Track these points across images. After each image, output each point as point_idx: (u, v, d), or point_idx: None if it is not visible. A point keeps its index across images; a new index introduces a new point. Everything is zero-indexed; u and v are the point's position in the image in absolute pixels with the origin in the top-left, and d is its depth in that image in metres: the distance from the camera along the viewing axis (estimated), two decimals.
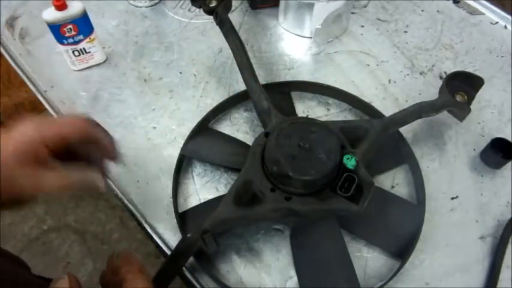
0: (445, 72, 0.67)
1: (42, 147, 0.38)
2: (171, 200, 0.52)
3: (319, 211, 0.45)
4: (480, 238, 0.50)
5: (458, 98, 0.55)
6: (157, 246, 0.50)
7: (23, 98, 1.48)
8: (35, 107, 1.53)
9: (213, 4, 0.62)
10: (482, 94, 0.63)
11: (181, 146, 0.56)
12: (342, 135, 0.48)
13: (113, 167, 0.56)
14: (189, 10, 0.76)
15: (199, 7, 0.63)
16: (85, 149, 0.41)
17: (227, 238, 0.49)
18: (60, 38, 0.61)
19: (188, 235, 0.43)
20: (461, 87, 0.55)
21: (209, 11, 0.62)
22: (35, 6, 0.77)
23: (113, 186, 0.54)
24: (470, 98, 0.56)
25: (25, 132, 0.36)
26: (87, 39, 0.63)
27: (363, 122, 0.52)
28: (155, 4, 0.78)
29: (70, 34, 0.61)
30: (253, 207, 0.44)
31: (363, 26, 0.74)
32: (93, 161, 0.42)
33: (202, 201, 0.53)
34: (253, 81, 0.55)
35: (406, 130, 0.58)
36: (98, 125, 0.42)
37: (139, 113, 0.62)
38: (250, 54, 0.69)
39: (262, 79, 0.65)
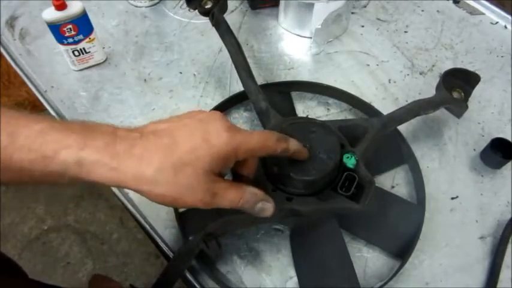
0: None
1: (231, 160, 0.36)
2: None
3: (320, 211, 0.45)
4: (480, 238, 0.50)
5: (455, 94, 0.55)
6: (157, 246, 0.50)
7: (23, 98, 1.48)
8: (35, 107, 1.53)
9: (209, 5, 0.61)
10: (482, 94, 0.64)
11: None
12: (341, 134, 0.48)
13: None
14: (189, 10, 0.76)
15: (195, 9, 0.63)
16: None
17: (227, 238, 0.49)
18: (60, 38, 0.61)
19: (190, 238, 0.43)
20: (457, 84, 0.55)
21: (205, 13, 0.61)
22: (35, 6, 0.76)
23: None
24: (467, 95, 0.56)
25: (222, 142, 0.34)
26: (87, 39, 0.63)
27: (361, 121, 0.52)
28: (155, 4, 0.78)
29: (70, 34, 0.61)
30: None
31: (363, 26, 0.74)
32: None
33: None
34: (250, 82, 0.55)
35: (406, 130, 0.58)
36: (285, 137, 0.40)
37: (139, 113, 0.62)
38: (250, 54, 0.69)
39: (262, 79, 0.66)
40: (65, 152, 0.31)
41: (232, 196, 0.36)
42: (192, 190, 0.33)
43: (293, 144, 0.41)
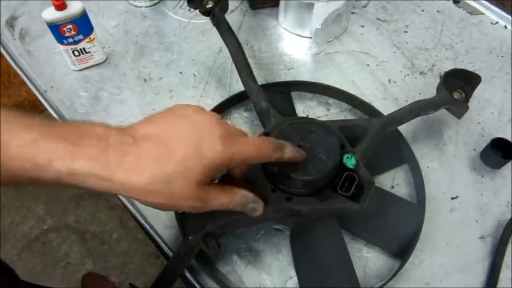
0: None
1: (224, 169, 0.36)
2: None
3: (320, 211, 0.45)
4: (480, 238, 0.50)
5: (456, 95, 0.55)
6: (158, 246, 0.50)
7: (23, 98, 1.48)
8: (35, 107, 1.53)
9: (210, 5, 0.61)
10: (482, 94, 0.64)
11: None
12: (341, 134, 0.48)
13: None
14: (189, 10, 0.76)
15: (196, 8, 0.63)
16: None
17: (227, 238, 0.50)
18: (60, 38, 0.61)
19: (190, 237, 0.43)
20: (458, 85, 0.55)
21: (206, 12, 0.61)
22: (35, 6, 0.77)
23: None
24: (468, 95, 0.56)
25: (216, 153, 0.34)
26: (87, 39, 0.63)
27: (362, 121, 0.52)
28: (155, 4, 0.78)
29: (70, 34, 0.61)
30: None
31: (363, 26, 0.74)
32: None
33: None
34: (251, 81, 0.55)
35: (406, 130, 0.58)
36: (281, 145, 0.40)
37: (139, 113, 0.62)
38: (250, 54, 0.69)
39: (262, 79, 0.66)
40: (57, 162, 0.31)
41: (224, 200, 0.37)
42: (183, 199, 0.34)
43: (288, 152, 0.41)
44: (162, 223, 0.51)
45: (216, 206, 0.36)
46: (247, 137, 0.38)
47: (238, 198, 0.38)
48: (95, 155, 0.31)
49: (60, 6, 0.58)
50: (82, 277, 0.42)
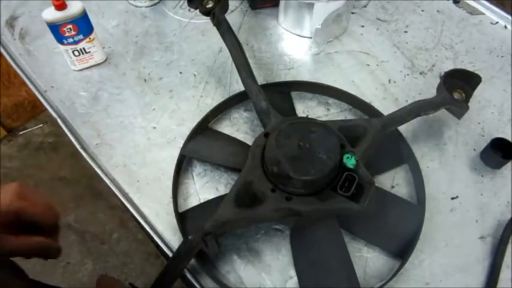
0: None
1: None
2: (171, 200, 0.52)
3: (320, 211, 0.45)
4: (480, 238, 0.50)
5: (456, 95, 0.55)
6: (157, 246, 0.50)
7: (23, 98, 1.48)
8: (35, 107, 1.53)
9: (210, 5, 0.61)
10: (482, 94, 0.64)
11: (181, 146, 0.56)
12: (341, 134, 0.48)
13: (112, 167, 0.56)
14: (189, 10, 0.76)
15: (196, 8, 0.63)
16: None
17: (227, 238, 0.50)
18: (60, 38, 0.61)
19: (190, 237, 0.43)
20: (458, 85, 0.55)
21: (206, 12, 0.62)
22: (35, 6, 0.77)
23: (113, 186, 0.54)
24: (468, 96, 0.56)
25: None
26: (87, 39, 0.63)
27: (362, 121, 0.52)
28: (155, 4, 0.78)
29: (70, 34, 0.61)
30: (254, 208, 0.44)
31: (363, 26, 0.74)
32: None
33: (202, 201, 0.53)
34: (251, 81, 0.55)
35: (406, 130, 0.58)
36: (30, 193, 0.41)
37: (139, 113, 0.62)
38: (250, 54, 0.69)
39: (262, 79, 0.66)
40: None
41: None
42: None
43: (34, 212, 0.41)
44: (162, 223, 0.51)
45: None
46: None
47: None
48: None
49: (60, 6, 0.58)
50: (98, 278, 0.43)
